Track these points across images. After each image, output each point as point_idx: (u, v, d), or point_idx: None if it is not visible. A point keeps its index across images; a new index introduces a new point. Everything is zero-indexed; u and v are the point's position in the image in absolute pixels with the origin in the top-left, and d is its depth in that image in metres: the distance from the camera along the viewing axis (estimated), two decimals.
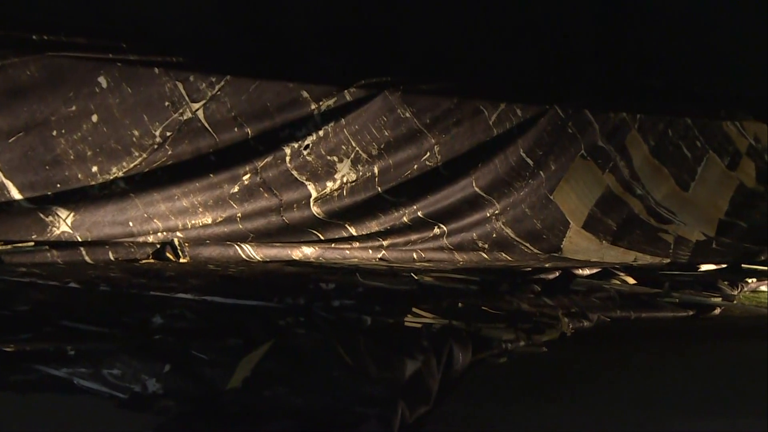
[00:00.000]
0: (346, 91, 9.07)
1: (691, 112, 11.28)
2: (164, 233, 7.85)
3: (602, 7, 10.00)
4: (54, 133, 7.65)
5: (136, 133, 7.96)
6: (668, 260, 10.29)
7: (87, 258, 7.06)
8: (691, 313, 6.63)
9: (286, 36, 8.87)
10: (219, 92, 8.37)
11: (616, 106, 10.90)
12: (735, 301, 7.40)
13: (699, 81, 10.76)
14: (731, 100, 11.31)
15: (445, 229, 9.44)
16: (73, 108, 7.69)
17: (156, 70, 8.08)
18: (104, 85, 7.83)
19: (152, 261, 7.40)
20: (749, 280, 8.32)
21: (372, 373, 3.74)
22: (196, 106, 8.25)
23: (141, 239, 7.68)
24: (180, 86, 8.17)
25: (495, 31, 9.72)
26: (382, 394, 3.52)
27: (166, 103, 8.12)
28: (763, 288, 8.43)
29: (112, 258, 7.18)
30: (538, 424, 3.70)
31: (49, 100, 7.64)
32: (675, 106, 11.12)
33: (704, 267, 9.44)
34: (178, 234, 7.92)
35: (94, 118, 7.80)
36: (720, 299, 7.23)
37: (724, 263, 9.76)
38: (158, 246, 7.56)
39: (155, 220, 7.85)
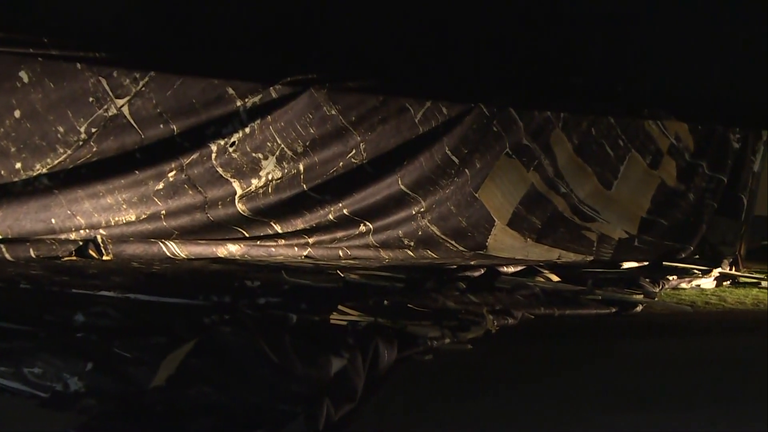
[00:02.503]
0: (271, 88, 9.03)
1: (614, 111, 11.39)
2: (87, 230, 7.77)
3: (527, 7, 10.07)
4: None
5: (60, 129, 7.85)
6: (591, 258, 10.41)
7: (7, 255, 6.96)
8: (613, 310, 6.73)
9: (210, 32, 8.81)
10: (144, 88, 8.29)
11: (541, 105, 10.98)
12: (656, 299, 7.52)
13: (622, 80, 10.89)
14: (653, 100, 11.45)
15: (370, 226, 9.45)
16: None
17: (78, 65, 7.97)
18: (26, 80, 7.72)
19: (74, 258, 7.32)
20: (670, 278, 8.46)
21: (297, 370, 3.73)
22: (120, 102, 8.17)
23: (63, 236, 7.59)
24: (104, 82, 8.08)
25: (420, 29, 9.75)
26: (307, 392, 3.52)
27: (90, 99, 8.02)
28: (684, 285, 8.58)
29: (33, 255, 7.09)
30: (463, 421, 3.72)
31: None
32: (598, 105, 11.22)
33: (626, 265, 9.57)
34: (102, 231, 7.84)
35: (17, 113, 7.68)
36: (642, 296, 7.34)
37: (645, 261, 9.90)
38: (81, 243, 7.48)
39: (78, 217, 7.76)
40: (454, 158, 10.34)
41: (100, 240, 7.50)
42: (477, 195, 10.47)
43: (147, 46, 8.57)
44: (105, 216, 7.94)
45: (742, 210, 11.72)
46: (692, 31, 10.05)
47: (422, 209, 9.96)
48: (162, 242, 7.79)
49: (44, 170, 7.79)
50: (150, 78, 8.34)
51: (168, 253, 7.72)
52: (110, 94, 8.10)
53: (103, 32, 8.28)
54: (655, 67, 10.66)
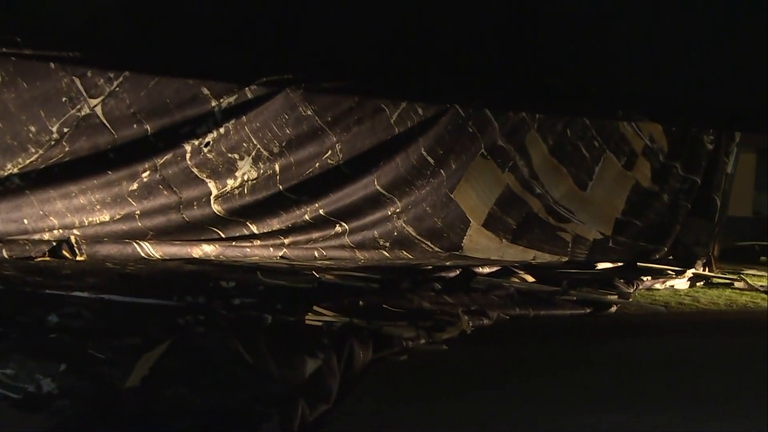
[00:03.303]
0: (247, 88, 9.00)
1: (589, 112, 11.42)
2: (60, 231, 7.72)
3: (502, 9, 10.09)
4: None
5: (32, 129, 7.80)
6: (566, 258, 10.45)
7: None
8: (588, 310, 6.76)
9: (186, 32, 8.78)
10: (117, 88, 8.25)
11: (516, 106, 10.99)
12: (631, 299, 7.56)
13: (596, 82, 10.92)
14: (628, 101, 11.48)
15: (346, 227, 9.44)
16: None
17: (52, 65, 7.92)
18: None
19: (48, 259, 7.27)
20: (644, 279, 8.50)
21: (272, 371, 3.72)
22: (94, 101, 8.12)
23: (36, 237, 7.54)
24: (77, 81, 8.03)
25: (396, 30, 9.75)
26: (282, 393, 3.51)
27: (64, 99, 7.97)
28: (658, 286, 8.62)
29: (6, 255, 7.03)
30: (439, 421, 3.72)
31: None
32: (573, 106, 11.24)
33: (601, 265, 9.61)
34: (75, 231, 7.79)
35: None
36: (616, 297, 7.37)
37: (620, 262, 9.95)
38: (54, 244, 7.44)
39: (51, 218, 7.71)
40: (429, 159, 10.34)
41: (73, 240, 7.46)
42: (452, 196, 10.47)
43: (121, 46, 8.53)
44: (78, 216, 7.89)
45: (715, 211, 11.78)
46: (666, 33, 10.10)
47: (398, 210, 9.95)
48: (136, 243, 7.76)
49: (15, 170, 7.74)
50: (124, 78, 8.30)
51: (142, 254, 7.69)
52: (84, 93, 8.06)
53: (77, 32, 8.23)
54: (630, 69, 10.70)
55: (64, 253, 7.35)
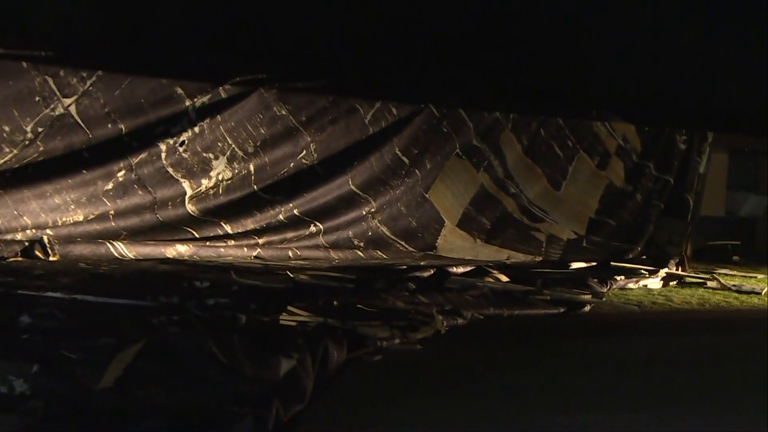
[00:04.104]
0: (221, 87, 8.97)
1: (563, 112, 11.44)
2: (34, 230, 7.68)
3: (476, 8, 10.09)
4: None
5: (6, 128, 7.75)
6: (540, 258, 10.47)
7: None
8: (562, 310, 6.79)
9: (159, 31, 8.75)
10: (91, 87, 8.21)
11: (490, 106, 11.00)
12: (604, 299, 7.60)
13: (570, 82, 10.94)
14: (601, 101, 11.51)
15: (321, 227, 9.43)
16: None
17: (24, 64, 7.88)
18: None
19: (20, 259, 7.24)
20: (618, 278, 8.55)
21: (246, 371, 3.72)
22: (68, 101, 8.08)
23: (9, 237, 7.50)
24: (50, 81, 7.99)
25: (371, 30, 9.74)
26: (256, 393, 3.51)
27: (37, 98, 7.92)
28: (631, 285, 8.66)
29: None
30: (413, 421, 3.73)
31: None
32: (547, 106, 11.26)
33: (575, 265, 9.64)
34: (49, 231, 7.76)
35: None
36: (590, 296, 7.41)
37: (593, 261, 9.99)
38: (27, 244, 7.40)
39: (25, 218, 7.67)
40: (404, 159, 10.34)
41: (46, 240, 7.43)
42: (427, 195, 10.48)
43: (94, 45, 8.48)
44: (52, 216, 7.86)
45: (688, 210, 11.83)
46: (639, 33, 10.13)
47: (373, 210, 9.95)
48: (110, 243, 7.73)
49: None
50: (97, 77, 8.25)
51: (116, 254, 7.66)
52: (57, 93, 8.01)
53: (48, 31, 8.18)
54: (604, 69, 10.73)
55: (37, 253, 7.32)
